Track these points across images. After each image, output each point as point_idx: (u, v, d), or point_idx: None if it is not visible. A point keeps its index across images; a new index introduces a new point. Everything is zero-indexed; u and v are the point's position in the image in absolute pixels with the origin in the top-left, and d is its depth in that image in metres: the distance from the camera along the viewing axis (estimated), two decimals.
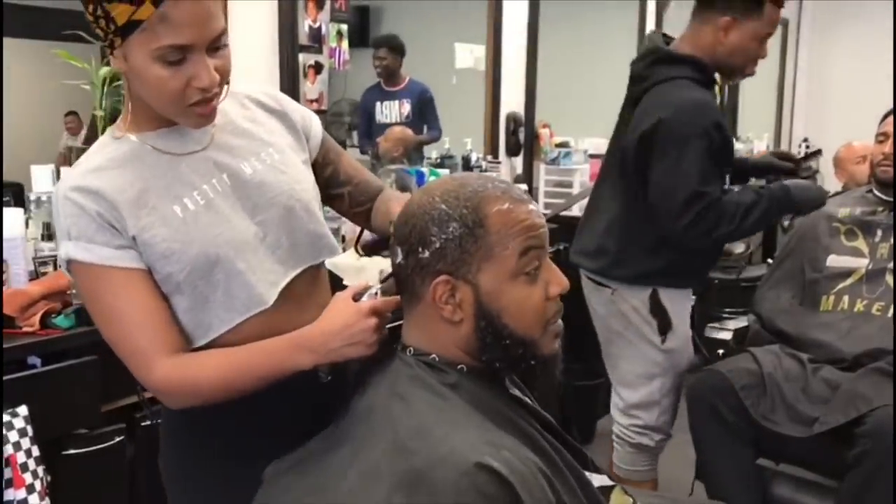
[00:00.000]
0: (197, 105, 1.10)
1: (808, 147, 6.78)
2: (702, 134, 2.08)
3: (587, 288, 2.39)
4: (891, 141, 2.48)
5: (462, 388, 1.10)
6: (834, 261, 2.52)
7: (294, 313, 1.20)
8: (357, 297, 1.16)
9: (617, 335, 2.36)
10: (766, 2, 2.16)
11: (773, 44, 7.54)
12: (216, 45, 1.09)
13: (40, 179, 2.10)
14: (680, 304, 2.32)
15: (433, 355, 1.13)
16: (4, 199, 2.11)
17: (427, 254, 1.09)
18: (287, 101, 1.31)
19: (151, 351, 1.12)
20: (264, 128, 1.25)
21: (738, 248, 4.67)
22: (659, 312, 2.27)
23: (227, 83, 1.14)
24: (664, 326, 2.29)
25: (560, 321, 1.17)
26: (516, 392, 1.21)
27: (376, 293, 1.17)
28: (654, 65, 2.22)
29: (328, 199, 1.38)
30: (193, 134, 1.18)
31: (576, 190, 3.85)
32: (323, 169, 1.34)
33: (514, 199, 1.11)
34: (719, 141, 2.12)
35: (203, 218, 1.15)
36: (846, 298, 2.44)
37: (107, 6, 1.02)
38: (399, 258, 1.13)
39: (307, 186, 1.26)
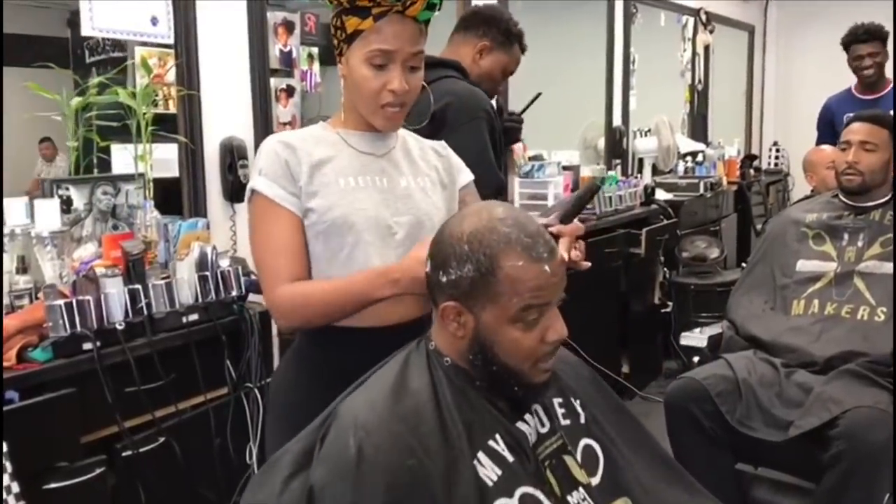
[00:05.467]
0: (387, 107, 1.41)
1: (777, 150, 6.88)
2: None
3: None
4: (853, 149, 2.54)
5: (423, 374, 1.24)
6: (803, 265, 2.58)
7: (389, 301, 1.38)
8: None
9: None
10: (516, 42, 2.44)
11: (739, 49, 7.60)
12: (412, 63, 1.41)
13: (14, 212, 2.09)
14: None
15: (433, 343, 1.29)
16: None
17: (444, 279, 1.22)
18: (451, 153, 1.63)
19: (282, 274, 1.40)
20: (428, 163, 1.55)
21: (713, 253, 4.72)
22: None
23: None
24: None
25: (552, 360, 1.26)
26: (492, 402, 1.25)
27: None
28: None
29: None
30: (378, 143, 1.49)
31: (550, 202, 3.89)
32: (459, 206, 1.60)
33: (532, 257, 1.18)
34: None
35: (356, 193, 1.43)
36: (816, 302, 2.48)
37: (344, 18, 1.38)
38: (428, 268, 1.26)
39: (441, 213, 1.51)
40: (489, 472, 1.18)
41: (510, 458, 1.21)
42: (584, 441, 1.32)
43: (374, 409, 1.18)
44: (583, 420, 1.34)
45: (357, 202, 1.42)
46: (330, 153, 1.44)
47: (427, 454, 1.15)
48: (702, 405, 2.28)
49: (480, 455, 1.19)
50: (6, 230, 2.11)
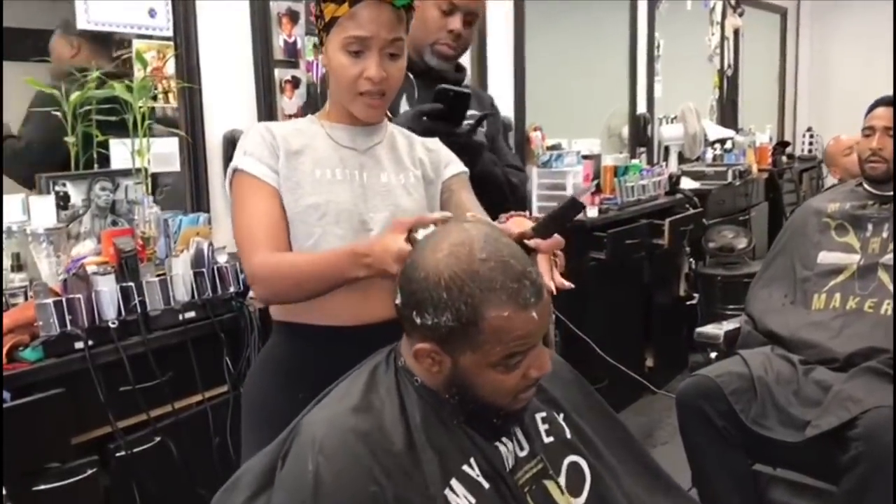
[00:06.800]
0: (365, 95, 1.38)
1: (811, 136, 6.69)
2: None
3: None
4: (878, 135, 2.42)
5: (391, 393, 1.17)
6: (825, 257, 2.47)
7: (357, 294, 1.35)
8: (411, 231, 1.20)
9: None
10: None
11: (771, 32, 7.41)
12: (391, 51, 1.37)
13: (11, 209, 2.07)
14: None
15: (402, 359, 1.21)
16: None
17: (419, 321, 1.10)
18: (442, 147, 1.59)
19: (262, 243, 1.37)
20: (414, 159, 1.51)
21: (741, 243, 4.59)
22: None
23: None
24: None
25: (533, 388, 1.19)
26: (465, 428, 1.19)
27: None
28: None
29: None
30: (361, 139, 1.46)
31: (569, 192, 3.80)
32: (442, 195, 1.56)
33: (518, 304, 1.07)
34: None
35: (332, 186, 1.40)
36: (838, 296, 2.37)
37: (323, 6, 1.37)
38: (398, 300, 1.14)
39: (422, 211, 1.46)
40: (462, 500, 1.11)
41: (486, 485, 1.13)
42: (570, 458, 1.24)
43: (335, 428, 1.10)
44: (568, 435, 1.27)
45: (331, 194, 1.40)
46: (309, 144, 1.43)
47: (392, 480, 1.07)
48: (715, 404, 2.19)
49: (453, 482, 1.11)
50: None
